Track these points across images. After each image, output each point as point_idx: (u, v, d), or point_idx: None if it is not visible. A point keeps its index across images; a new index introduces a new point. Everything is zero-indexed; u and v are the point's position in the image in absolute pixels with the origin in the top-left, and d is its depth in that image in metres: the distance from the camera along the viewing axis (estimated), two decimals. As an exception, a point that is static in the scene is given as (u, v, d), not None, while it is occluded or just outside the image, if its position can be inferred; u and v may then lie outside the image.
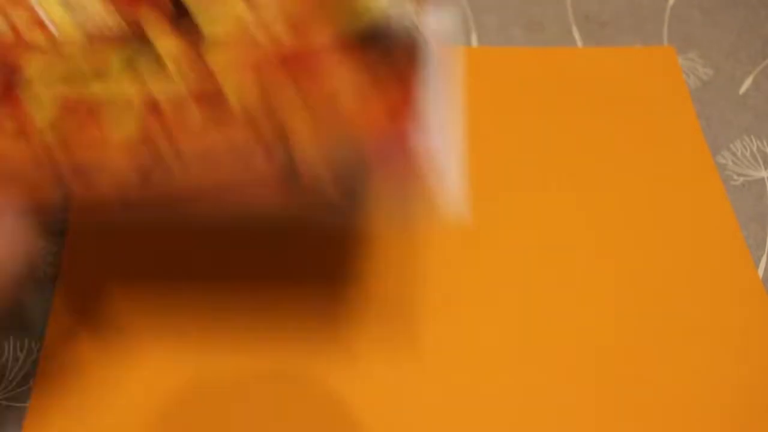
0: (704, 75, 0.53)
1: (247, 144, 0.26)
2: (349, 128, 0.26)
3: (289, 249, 0.43)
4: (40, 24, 0.26)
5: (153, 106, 0.26)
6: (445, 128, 0.28)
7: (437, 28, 0.27)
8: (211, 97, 0.26)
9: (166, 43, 0.26)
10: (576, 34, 0.54)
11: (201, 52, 0.26)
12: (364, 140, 0.26)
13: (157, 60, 0.26)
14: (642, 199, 0.46)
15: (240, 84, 0.26)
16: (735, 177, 0.48)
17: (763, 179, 0.48)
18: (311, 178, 0.27)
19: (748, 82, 0.52)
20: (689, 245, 0.44)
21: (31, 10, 0.27)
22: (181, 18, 0.26)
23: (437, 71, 0.27)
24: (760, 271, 0.44)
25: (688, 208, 0.46)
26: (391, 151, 0.26)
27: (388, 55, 0.26)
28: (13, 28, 0.26)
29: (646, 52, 0.53)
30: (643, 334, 0.41)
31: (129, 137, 0.26)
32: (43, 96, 0.26)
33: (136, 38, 0.26)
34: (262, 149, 0.26)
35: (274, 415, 0.38)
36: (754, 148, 0.49)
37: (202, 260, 0.43)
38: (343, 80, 0.25)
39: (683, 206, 0.46)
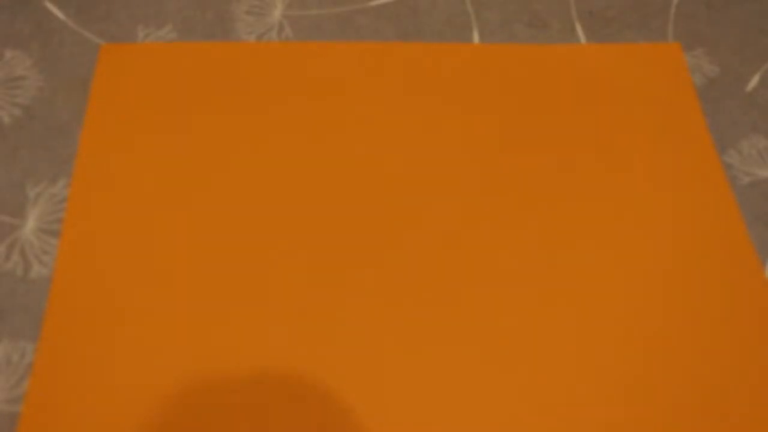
0: (710, 72, 0.52)
1: None
2: None
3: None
4: None
5: None
6: None
7: None
8: None
9: None
10: (579, 31, 0.53)
11: None
12: None
13: None
14: (647, 197, 0.45)
15: None
16: (742, 176, 0.47)
17: (770, 178, 0.47)
18: None
19: (755, 80, 0.52)
20: (695, 245, 0.44)
21: None
22: None
23: None
24: (767, 271, 0.43)
25: (693, 207, 0.45)
26: None
27: None
28: None
29: (651, 49, 0.52)
30: (647, 333, 0.41)
31: None
32: None
33: None
34: None
35: (272, 414, 0.38)
36: (761, 147, 0.48)
37: (200, 259, 0.42)
38: None
39: (689, 205, 0.45)
